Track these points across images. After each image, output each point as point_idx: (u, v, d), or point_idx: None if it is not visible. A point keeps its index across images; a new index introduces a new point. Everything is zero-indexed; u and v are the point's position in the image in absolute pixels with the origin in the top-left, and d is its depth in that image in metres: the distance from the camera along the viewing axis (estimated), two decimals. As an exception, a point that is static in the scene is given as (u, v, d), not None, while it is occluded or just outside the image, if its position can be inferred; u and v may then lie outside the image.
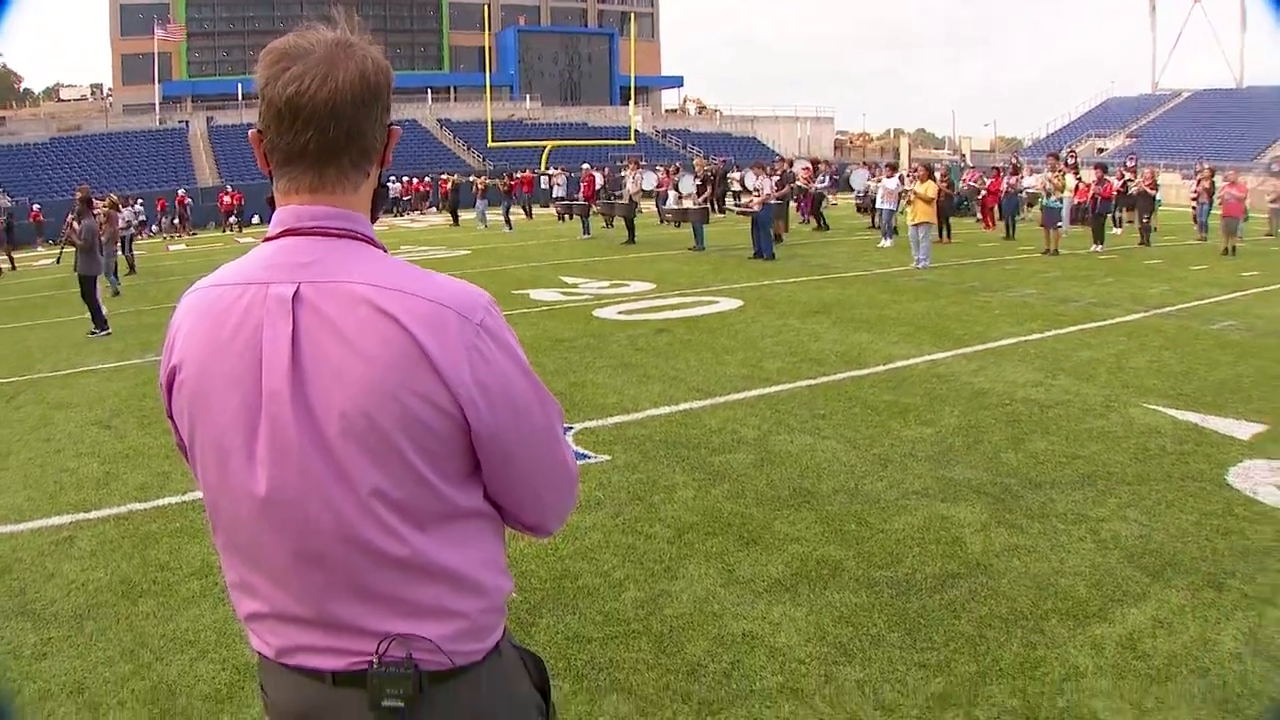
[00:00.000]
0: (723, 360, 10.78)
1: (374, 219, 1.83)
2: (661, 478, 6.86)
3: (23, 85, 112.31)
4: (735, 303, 15.06)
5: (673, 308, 14.84)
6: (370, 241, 1.75)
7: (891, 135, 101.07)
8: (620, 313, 14.46)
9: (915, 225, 20.00)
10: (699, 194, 26.17)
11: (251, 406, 1.67)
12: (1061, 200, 23.43)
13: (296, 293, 1.65)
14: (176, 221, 49.59)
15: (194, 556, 5.86)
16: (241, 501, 1.72)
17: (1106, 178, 25.38)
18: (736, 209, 25.93)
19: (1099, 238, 24.09)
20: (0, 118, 72.87)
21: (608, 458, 7.37)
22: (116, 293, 21.26)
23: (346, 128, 1.69)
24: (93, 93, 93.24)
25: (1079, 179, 27.17)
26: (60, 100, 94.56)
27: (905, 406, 8.60)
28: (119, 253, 25.03)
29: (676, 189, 32.27)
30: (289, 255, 1.70)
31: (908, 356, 10.77)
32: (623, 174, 31.05)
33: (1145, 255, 22.84)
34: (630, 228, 27.44)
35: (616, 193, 30.80)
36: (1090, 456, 7.10)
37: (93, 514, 6.88)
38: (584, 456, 7.41)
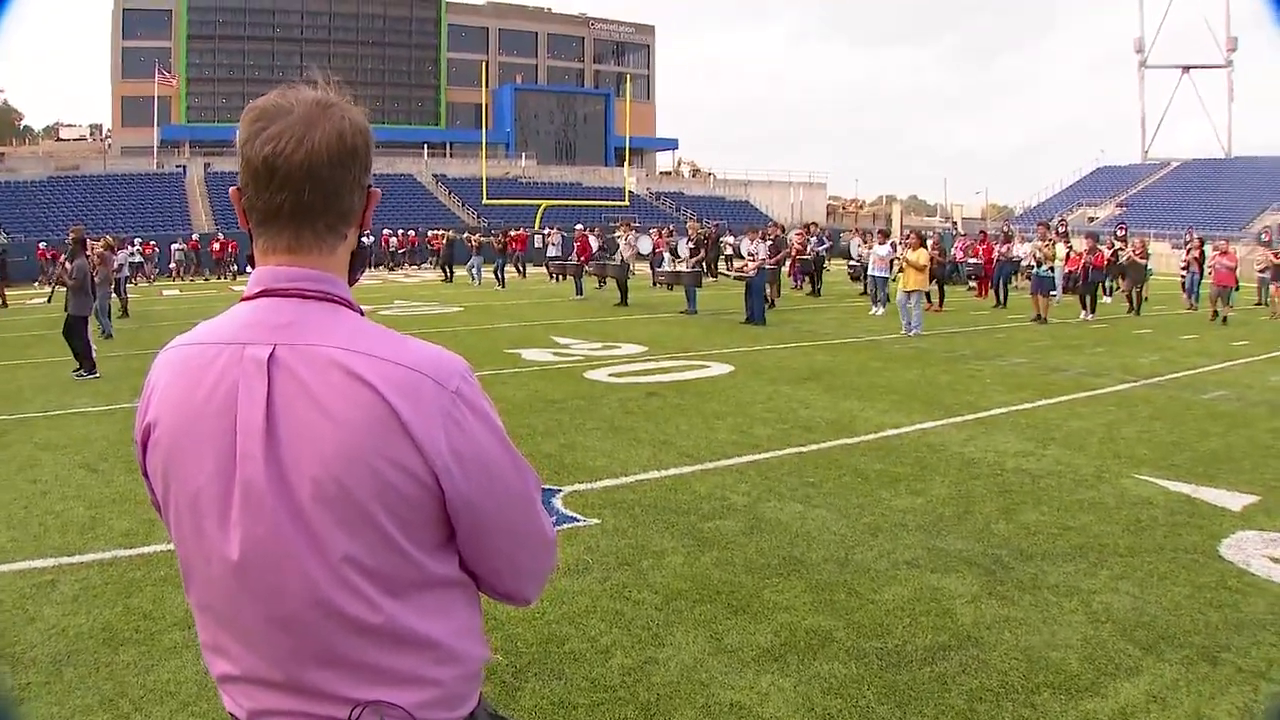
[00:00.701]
0: (713, 425, 10.75)
1: (353, 280, 1.82)
2: (650, 543, 6.80)
3: (22, 123, 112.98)
4: (726, 367, 15.06)
5: (664, 371, 14.84)
6: (347, 304, 1.74)
7: (884, 201, 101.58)
8: (611, 375, 14.44)
9: (907, 292, 20.05)
10: (692, 257, 26.20)
11: (226, 468, 1.64)
12: (1053, 269, 23.53)
13: (272, 354, 1.64)
14: (175, 265, 49.92)
15: (177, 606, 5.77)
16: (214, 563, 1.69)
17: (1098, 247, 25.53)
18: (732, 275, 26.00)
19: (1090, 306, 24.27)
20: None
21: (597, 521, 7.31)
22: (108, 335, 21.14)
23: (323, 189, 1.69)
24: (92, 133, 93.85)
25: (1070, 248, 27.31)
26: (59, 139, 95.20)
27: (896, 475, 8.57)
28: (111, 295, 25.05)
29: (671, 252, 32.43)
30: (266, 316, 1.68)
31: (898, 425, 10.76)
32: (616, 235, 31.15)
33: (1135, 324, 22.99)
34: (623, 289, 27.50)
35: (610, 254, 30.87)
36: (1082, 528, 7.06)
37: (76, 558, 6.80)
38: (573, 520, 7.36)
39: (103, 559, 6.76)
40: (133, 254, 43.43)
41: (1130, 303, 26.07)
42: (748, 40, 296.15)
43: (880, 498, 7.89)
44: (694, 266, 25.56)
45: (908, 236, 21.75)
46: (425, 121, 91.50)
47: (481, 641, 1.86)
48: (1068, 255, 26.91)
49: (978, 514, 7.43)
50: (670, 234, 37.55)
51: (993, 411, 11.58)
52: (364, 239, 1.89)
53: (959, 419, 11.13)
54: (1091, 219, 66.79)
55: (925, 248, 20.78)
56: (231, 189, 1.76)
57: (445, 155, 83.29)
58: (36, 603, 5.98)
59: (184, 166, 71.11)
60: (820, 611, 5.54)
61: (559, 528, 7.15)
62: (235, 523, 1.64)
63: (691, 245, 26.62)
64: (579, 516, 7.41)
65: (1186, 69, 79.91)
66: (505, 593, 1.89)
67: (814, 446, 9.72)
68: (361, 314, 1.75)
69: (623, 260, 28.45)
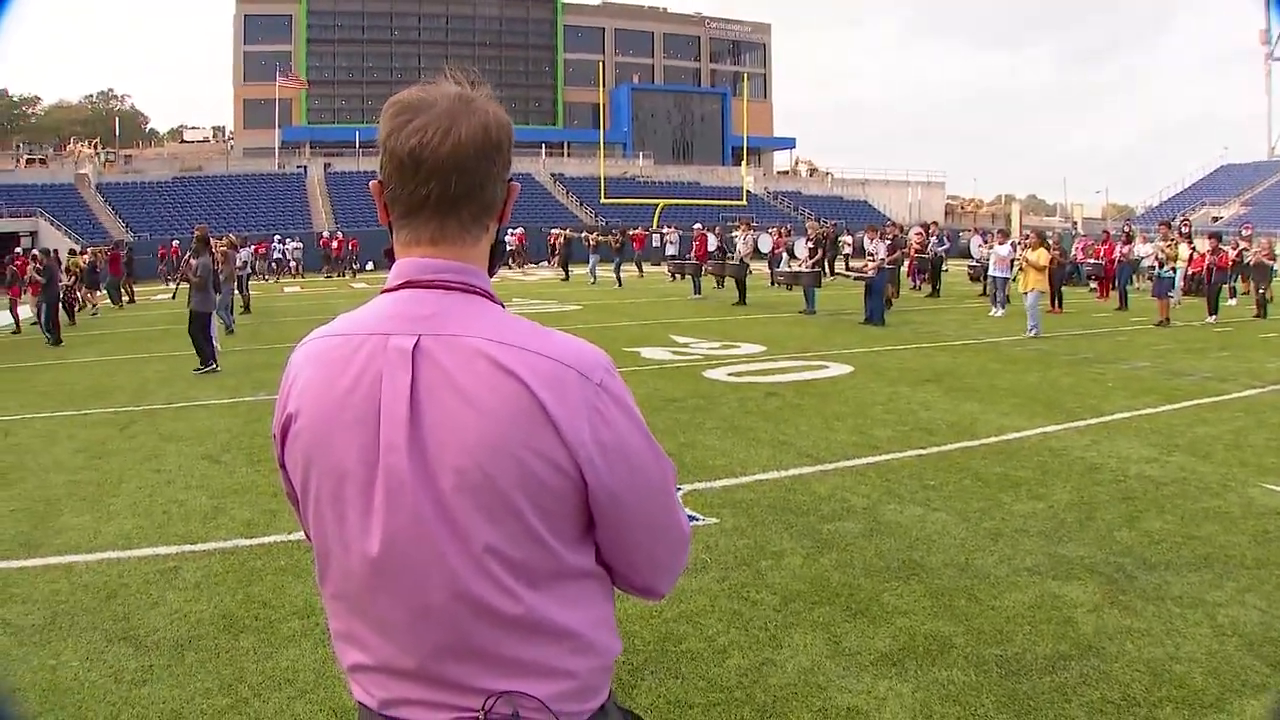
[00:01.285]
0: (832, 426, 10.79)
1: (492, 272, 1.84)
2: (769, 543, 6.88)
3: (148, 126, 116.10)
4: (845, 368, 15.07)
5: (783, 371, 14.90)
6: (489, 297, 1.76)
7: (1002, 201, 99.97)
8: (730, 374, 14.55)
9: (1027, 293, 19.83)
10: (810, 257, 26.16)
11: (369, 458, 1.66)
12: (1175, 270, 23.03)
13: (417, 344, 1.66)
14: (294, 263, 51.01)
15: (296, 596, 5.98)
16: (354, 555, 1.71)
17: (1222, 247, 24.91)
18: (851, 275, 25.92)
19: (1213, 309, 23.68)
20: (126, 156, 75.68)
21: (716, 520, 7.41)
22: (230, 330, 21.88)
23: (468, 181, 1.71)
24: (214, 135, 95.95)
25: (1193, 248, 26.69)
26: (184, 141, 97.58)
27: (1017, 480, 8.53)
28: (234, 291, 25.82)
29: (790, 251, 32.35)
30: (409, 307, 1.71)
31: (1019, 428, 10.69)
32: (735, 235, 31.18)
33: (1261, 328, 22.32)
34: (741, 289, 27.52)
35: (728, 254, 30.88)
36: (1207, 538, 6.96)
37: (199, 546, 7.09)
38: (693, 518, 7.44)
39: (224, 548, 7.04)
40: (278, 249, 44.69)
41: (1257, 306, 25.39)
42: (864, 38, 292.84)
43: (1001, 502, 7.86)
44: (813, 266, 25.52)
45: (1027, 236, 21.46)
46: (542, 121, 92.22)
47: (615, 635, 1.86)
48: (1190, 256, 26.31)
49: (1100, 521, 7.36)
50: (788, 233, 37.45)
51: (1115, 416, 11.43)
52: (504, 236, 1.90)
53: (1081, 423, 11.00)
54: (1215, 219, 65.12)
55: (1046, 247, 20.50)
56: (372, 182, 1.80)
57: (563, 155, 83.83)
58: (160, 588, 6.25)
59: (304, 167, 72.71)
60: (939, 616, 5.57)
61: (679, 527, 7.28)
62: (377, 513, 1.66)
63: (810, 245, 26.59)
64: (698, 515, 7.52)
65: None
66: (641, 586, 1.90)
67: (934, 449, 9.70)
68: (503, 306, 1.77)
69: (741, 259, 28.46)
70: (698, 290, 30.55)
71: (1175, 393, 13.02)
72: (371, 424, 1.66)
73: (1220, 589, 5.97)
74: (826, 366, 15.25)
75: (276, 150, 76.10)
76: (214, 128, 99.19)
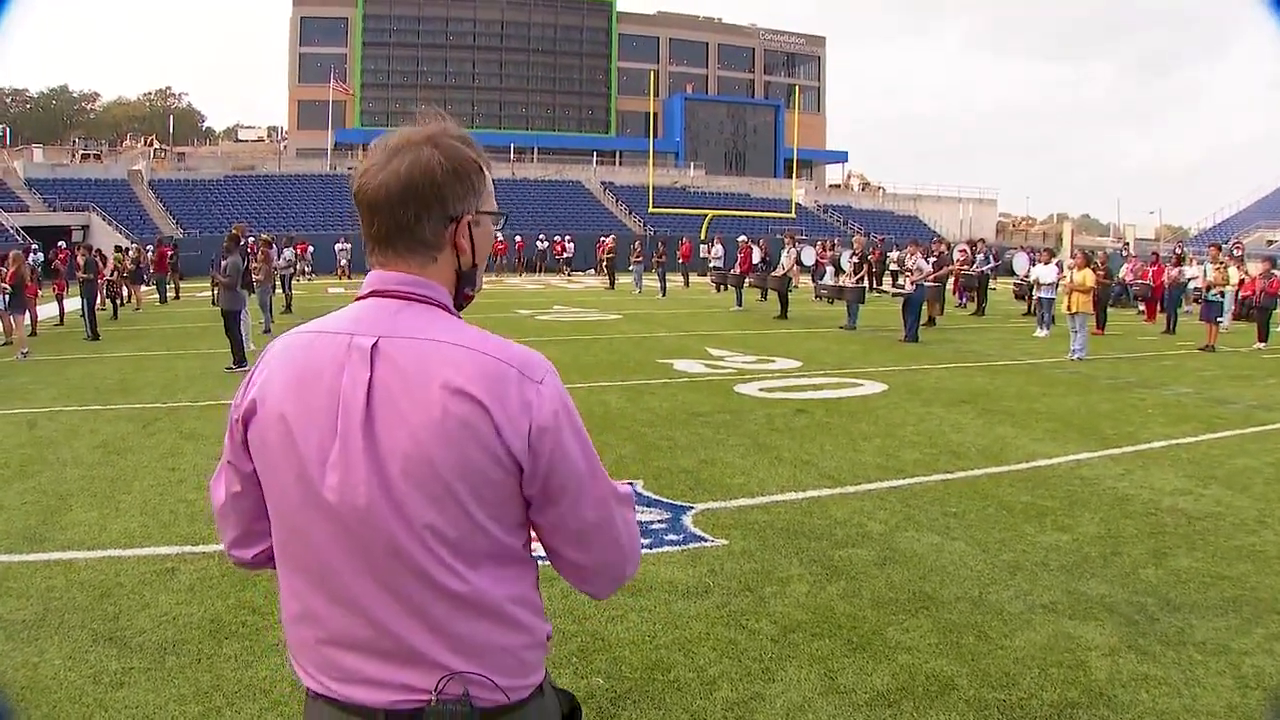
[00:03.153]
0: (859, 447, 10.55)
1: (462, 297, 2.03)
2: (777, 568, 6.66)
3: (205, 124, 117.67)
4: (880, 386, 14.81)
5: (816, 388, 14.65)
6: (444, 308, 1.94)
7: (1055, 220, 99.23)
8: (761, 389, 14.31)
9: (1072, 315, 19.46)
10: (855, 272, 25.83)
11: (327, 441, 1.84)
12: (1224, 294, 22.54)
13: (375, 345, 1.84)
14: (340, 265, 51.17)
15: (288, 603, 5.83)
16: (314, 521, 1.87)
17: (1274, 271, 24.42)
18: (890, 291, 25.62)
19: (1264, 335, 23.16)
20: (180, 154, 76.47)
21: (724, 542, 7.20)
22: (268, 330, 21.95)
23: (392, 221, 1.91)
24: (269, 135, 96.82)
25: (1244, 272, 26.20)
26: (238, 140, 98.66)
27: (1043, 509, 8.25)
28: (276, 290, 26.12)
29: (835, 265, 32.06)
30: (372, 313, 1.91)
31: (1051, 455, 10.39)
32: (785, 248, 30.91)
33: None
34: (784, 302, 27.37)
35: (772, 266, 30.66)
36: (1238, 578, 6.66)
37: (200, 548, 7.03)
38: (700, 540, 7.27)
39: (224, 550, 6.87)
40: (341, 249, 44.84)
41: (1308, 333, 24.87)
42: (919, 52, 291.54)
43: (1024, 533, 7.59)
44: (857, 281, 25.20)
45: (1075, 257, 21.07)
46: (595, 129, 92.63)
47: (544, 616, 2.04)
48: (1241, 280, 25.86)
49: (1126, 556, 7.09)
50: (833, 247, 37.15)
51: (1153, 445, 11.11)
52: (473, 264, 2.04)
53: (1116, 451, 10.70)
54: (1270, 242, 63.99)
55: (1092, 268, 20.11)
56: None
57: (615, 163, 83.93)
58: (154, 589, 6.18)
59: (354, 168, 72.41)
60: (945, 655, 5.32)
61: (686, 546, 7.10)
62: (331, 487, 1.83)
63: (855, 259, 26.22)
64: (707, 536, 7.32)
65: None
66: (577, 582, 2.07)
67: (961, 474, 9.44)
68: (458, 318, 1.96)
69: (784, 272, 28.20)
70: (740, 302, 30.38)
71: (1216, 421, 12.69)
72: (332, 411, 1.83)
73: (1247, 635, 5.68)
74: (861, 384, 14.98)
75: (329, 151, 76.67)
76: (269, 128, 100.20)
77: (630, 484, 8.38)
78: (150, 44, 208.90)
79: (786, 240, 30.18)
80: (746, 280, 30.63)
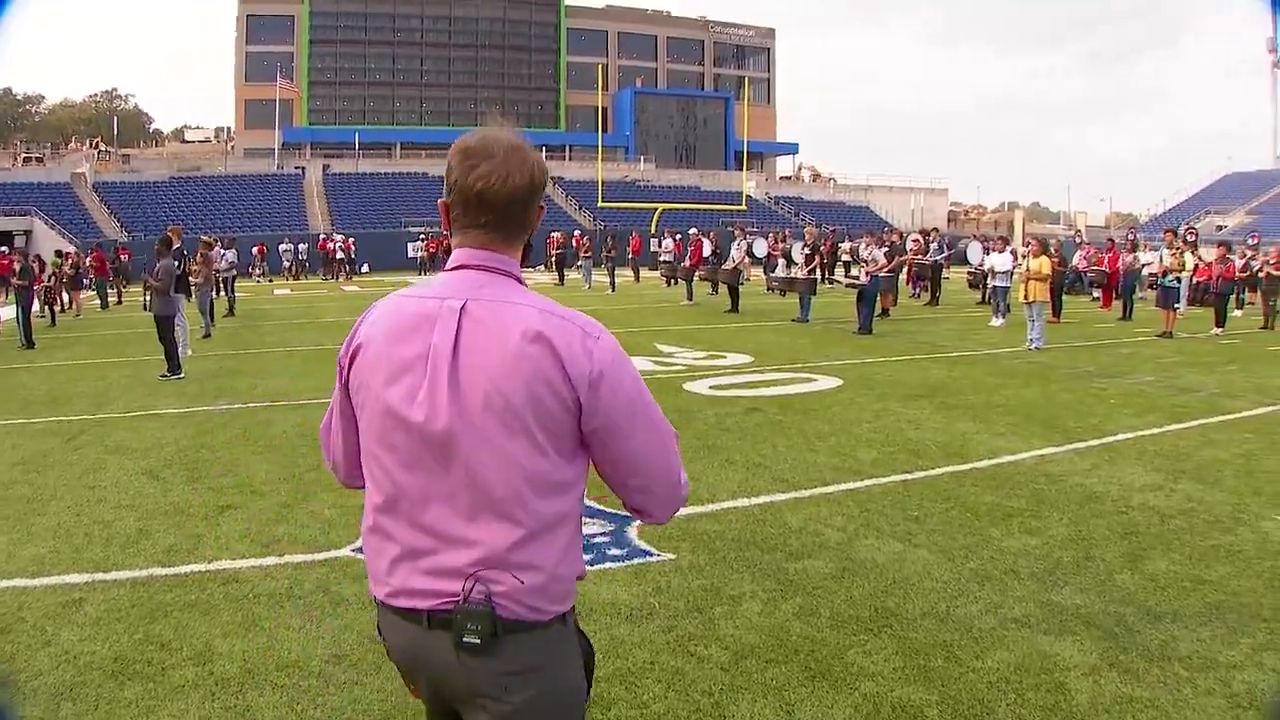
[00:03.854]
0: (814, 446, 10.08)
1: (525, 264, 2.41)
2: (728, 585, 6.16)
3: (152, 125, 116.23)
4: (834, 381, 14.35)
5: (768, 384, 14.19)
6: (519, 280, 2.33)
7: (1006, 208, 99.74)
8: (712, 387, 13.85)
9: (1029, 304, 19.11)
10: (807, 263, 25.38)
11: (418, 381, 2.20)
12: (1179, 280, 22.28)
13: (464, 306, 2.22)
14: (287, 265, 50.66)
15: (197, 638, 5.40)
16: (396, 448, 2.23)
17: (1229, 257, 24.22)
18: (844, 282, 25.20)
19: (1220, 320, 23.03)
20: (125, 155, 75.51)
21: (672, 557, 6.68)
22: (208, 334, 21.42)
23: (515, 213, 2.31)
24: (217, 135, 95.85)
25: (1198, 258, 26.00)
26: (185, 141, 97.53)
27: (1009, 510, 7.81)
28: (218, 294, 25.74)
29: (786, 257, 31.64)
30: (461, 282, 2.28)
31: (1015, 450, 9.97)
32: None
33: (1269, 340, 21.80)
34: (734, 296, 26.86)
35: (723, 259, 30.21)
36: (1219, 581, 6.23)
37: (111, 575, 6.50)
38: (645, 554, 6.75)
39: (137, 577, 6.44)
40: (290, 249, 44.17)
41: (1265, 317, 24.77)
42: (870, 44, 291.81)
43: (990, 537, 7.14)
44: (809, 273, 24.76)
45: (1029, 244, 20.69)
46: (545, 125, 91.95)
47: (581, 557, 2.36)
48: (1196, 266, 25.67)
49: (1099, 560, 6.64)
50: (785, 239, 36.75)
51: (1119, 437, 10.72)
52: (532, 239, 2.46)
53: (1081, 445, 10.30)
54: (1220, 227, 64.48)
55: (1049, 255, 19.75)
56: (440, 201, 2.39)
57: (564, 158, 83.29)
58: (57, 624, 5.66)
59: (302, 168, 72.59)
60: (912, 681, 4.84)
61: (630, 562, 6.61)
62: (418, 416, 2.19)
63: (807, 250, 25.78)
64: (652, 550, 6.80)
65: None
66: (637, 506, 2.40)
67: (921, 474, 8.98)
68: (527, 287, 2.32)
69: (735, 265, 27.74)
70: (690, 296, 29.92)
71: (1181, 411, 12.35)
72: (424, 358, 2.20)
73: (1234, 646, 5.24)
74: (814, 379, 14.53)
75: (276, 151, 76.20)
76: (217, 129, 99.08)
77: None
78: (96, 45, 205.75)
79: (737, 233, 29.68)
80: (697, 274, 30.16)
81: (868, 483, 8.66)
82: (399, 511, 2.25)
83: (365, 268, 53.17)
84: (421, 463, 2.20)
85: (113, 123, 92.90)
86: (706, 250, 30.85)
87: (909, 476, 8.88)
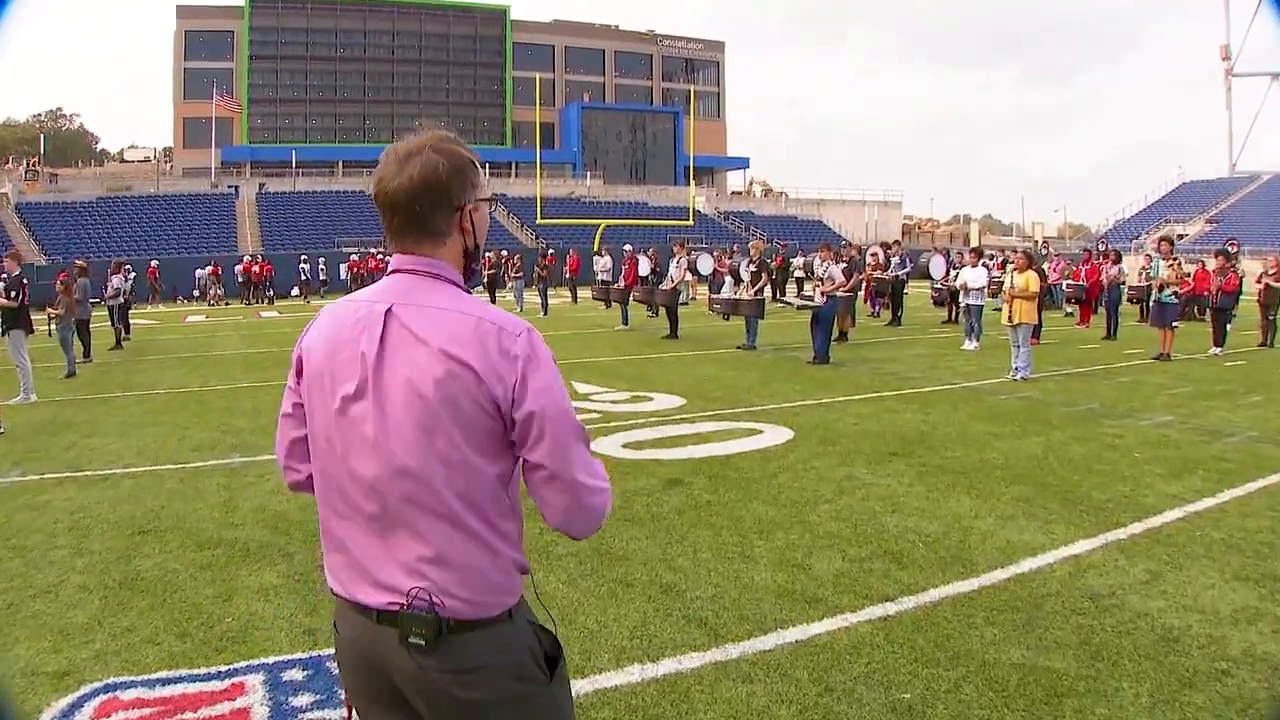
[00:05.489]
0: (751, 550, 7.09)
1: (470, 270, 2.50)
2: None
3: (99, 146, 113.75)
4: (784, 434, 11.36)
5: (699, 439, 11.17)
6: (452, 282, 2.42)
7: (960, 221, 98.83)
8: (627, 445, 10.83)
9: (1014, 327, 16.26)
10: (754, 282, 22.11)
11: (350, 384, 2.32)
12: (1177, 294, 19.54)
13: (389, 309, 2.34)
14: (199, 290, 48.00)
15: None
16: (337, 448, 2.35)
17: (1229, 267, 21.53)
18: (795, 303, 22.14)
19: (1220, 338, 20.50)
20: (52, 175, 72.98)
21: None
22: (70, 373, 18.83)
23: (419, 215, 2.39)
24: (158, 155, 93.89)
25: (1182, 271, 23.47)
26: (124, 161, 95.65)
27: (1054, 679, 4.88)
28: (112, 323, 24.65)
29: (734, 275, 28.71)
30: (392, 285, 2.41)
31: (1035, 547, 7.06)
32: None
33: (1276, 360, 19.31)
34: (673, 319, 23.76)
35: (661, 278, 27.24)
36: None
37: None
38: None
39: None
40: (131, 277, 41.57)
41: (1264, 333, 22.28)
42: (823, 59, 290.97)
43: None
44: (756, 293, 21.57)
45: (1014, 258, 17.68)
46: (491, 141, 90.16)
47: (521, 552, 2.43)
48: (1183, 278, 23.16)
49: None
50: (733, 255, 33.92)
51: (1165, 516, 7.89)
52: (477, 244, 2.51)
53: (1122, 533, 7.44)
54: (1180, 235, 63.24)
55: (1035, 270, 16.90)
56: None
57: (510, 175, 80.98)
58: None
59: (235, 187, 70.74)
60: None
61: None
62: (350, 419, 2.32)
63: (753, 268, 22.57)
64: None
65: (1276, 76, 78.30)
66: (556, 523, 2.38)
67: (910, 601, 6.02)
68: (462, 288, 2.43)
69: (673, 286, 24.67)
70: (625, 320, 26.77)
71: (1226, 468, 9.63)
72: (355, 361, 2.33)
73: None
74: (759, 431, 11.53)
75: (213, 170, 74.56)
76: (166, 149, 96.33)
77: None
78: (39, 65, 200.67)
79: (676, 249, 26.58)
80: (632, 295, 26.83)
81: (829, 625, 5.66)
82: (340, 513, 2.37)
83: (296, 290, 50.10)
84: (356, 467, 2.31)
85: (39, 142, 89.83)
86: (644, 269, 27.81)
87: (889, 610, 5.89)
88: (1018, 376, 15.81)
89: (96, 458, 10.89)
